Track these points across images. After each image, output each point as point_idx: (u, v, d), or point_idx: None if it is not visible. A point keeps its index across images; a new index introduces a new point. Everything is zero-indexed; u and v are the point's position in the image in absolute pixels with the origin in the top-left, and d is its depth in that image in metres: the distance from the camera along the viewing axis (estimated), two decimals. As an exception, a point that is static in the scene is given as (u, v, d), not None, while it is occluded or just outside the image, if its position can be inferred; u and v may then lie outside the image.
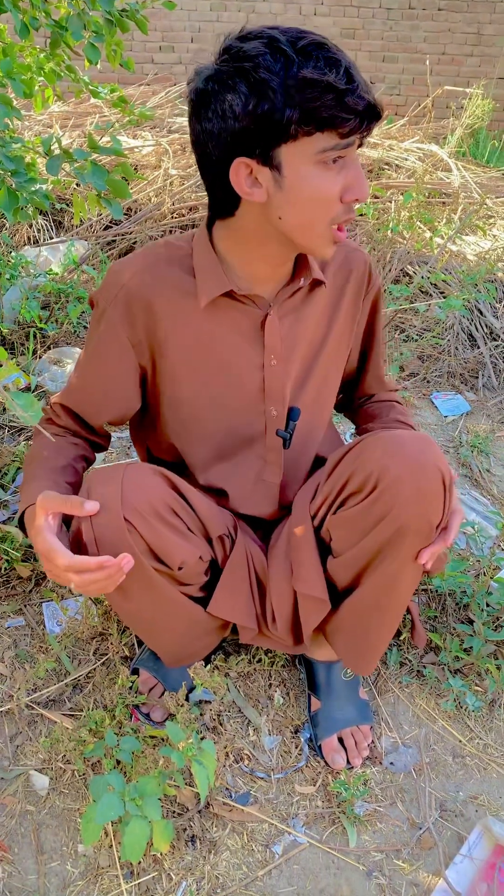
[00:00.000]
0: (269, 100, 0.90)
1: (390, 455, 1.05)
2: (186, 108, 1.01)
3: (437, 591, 1.56)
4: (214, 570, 1.24)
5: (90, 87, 2.15)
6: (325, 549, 1.22)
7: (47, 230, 3.01)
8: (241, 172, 0.97)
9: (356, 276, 1.21)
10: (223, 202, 1.04)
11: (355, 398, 1.43)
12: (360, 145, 0.99)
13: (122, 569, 0.97)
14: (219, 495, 1.26)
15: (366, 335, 1.32)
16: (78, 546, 1.11)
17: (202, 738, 1.24)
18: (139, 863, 1.16)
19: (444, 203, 2.92)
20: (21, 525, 1.14)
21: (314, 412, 1.25)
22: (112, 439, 2.06)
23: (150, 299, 1.10)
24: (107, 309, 1.12)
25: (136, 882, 1.15)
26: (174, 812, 1.23)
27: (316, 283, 1.17)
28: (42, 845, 1.19)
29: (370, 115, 0.92)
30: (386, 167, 3.28)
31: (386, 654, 1.48)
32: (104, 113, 3.85)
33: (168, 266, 1.12)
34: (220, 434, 1.20)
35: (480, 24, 6.39)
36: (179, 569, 1.12)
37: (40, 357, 2.26)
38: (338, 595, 1.22)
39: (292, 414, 1.20)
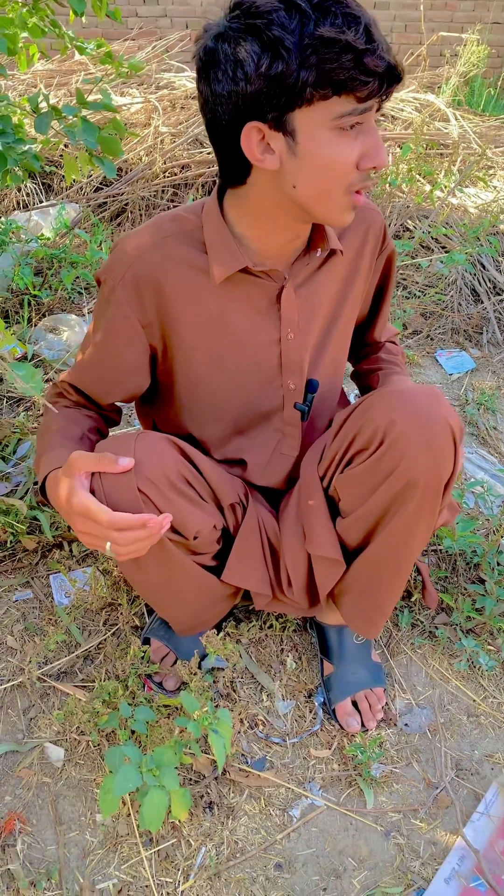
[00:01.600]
0: (284, 60, 0.83)
1: (397, 409, 1.02)
2: (194, 68, 0.95)
3: (447, 551, 1.54)
4: (226, 538, 1.22)
5: (75, 43, 2.07)
6: (335, 510, 1.20)
7: (36, 194, 2.93)
8: (253, 138, 0.91)
9: (373, 235, 1.16)
10: (234, 170, 0.98)
11: (364, 343, 1.38)
12: (379, 109, 0.93)
13: (164, 527, 0.95)
14: (233, 467, 1.23)
15: (377, 292, 1.27)
16: None
17: (217, 707, 1.24)
18: (158, 830, 1.17)
19: (442, 154, 2.84)
20: (42, 492, 1.10)
21: (331, 380, 1.22)
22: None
23: (160, 279, 1.05)
24: (115, 289, 1.06)
25: (156, 849, 1.15)
26: (191, 779, 1.23)
27: (333, 252, 1.12)
28: (60, 816, 1.19)
29: (390, 77, 0.86)
30: (382, 118, 3.19)
31: (398, 615, 1.47)
32: (90, 70, 3.73)
33: (177, 241, 1.06)
34: (237, 410, 1.17)
35: (474, -33, 6.19)
36: (195, 538, 1.10)
37: (35, 325, 2.22)
38: (348, 555, 1.20)
39: (310, 386, 1.17)
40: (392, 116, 3.17)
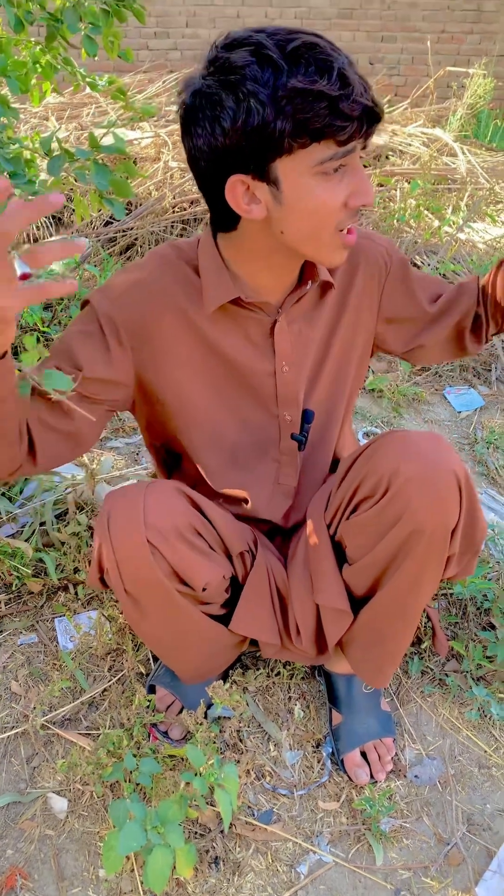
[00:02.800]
0: (259, 113, 0.84)
1: (402, 456, 1.02)
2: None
3: (457, 596, 1.52)
4: (235, 586, 1.21)
5: (87, 80, 2.09)
6: (342, 556, 1.19)
7: (46, 227, 2.95)
8: (238, 190, 0.92)
9: (366, 268, 1.15)
10: (223, 219, 0.99)
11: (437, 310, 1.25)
12: (364, 147, 0.93)
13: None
14: (236, 502, 1.22)
15: (402, 301, 1.21)
16: (100, 569, 1.08)
17: (223, 758, 1.21)
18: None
19: (450, 190, 2.86)
20: None
21: (327, 410, 1.21)
22: (120, 445, 2.03)
23: (148, 313, 1.05)
24: (98, 318, 1.04)
25: (160, 907, 1.13)
26: (196, 833, 1.20)
27: (327, 286, 1.12)
28: (62, 871, 1.17)
29: (369, 118, 0.86)
30: (391, 153, 3.21)
31: (407, 662, 1.45)
32: (100, 103, 3.78)
33: (174, 270, 1.07)
34: (235, 436, 1.17)
35: (480, 1, 6.28)
36: (203, 590, 1.09)
37: (43, 361, 2.22)
38: (356, 603, 1.19)
39: (307, 417, 1.17)
40: (400, 151, 3.19)
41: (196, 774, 1.09)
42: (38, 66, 2.05)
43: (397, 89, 6.31)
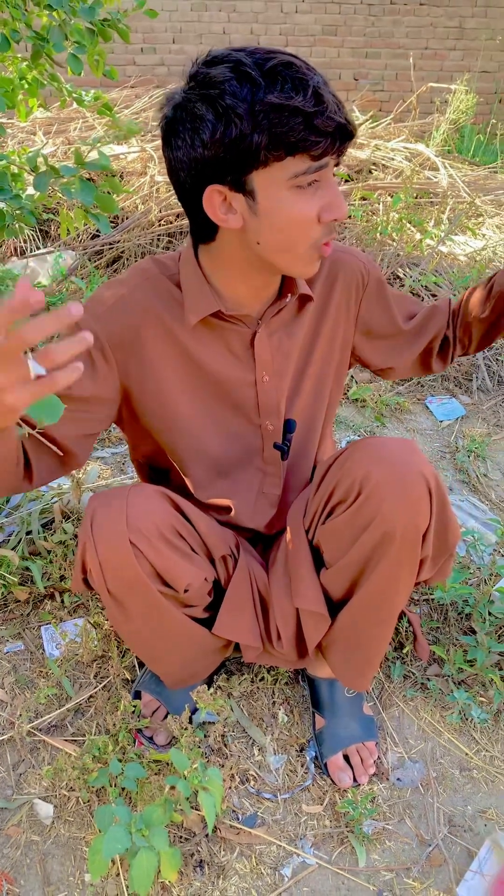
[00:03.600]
0: (237, 127, 0.88)
1: (373, 461, 1.05)
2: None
3: (438, 602, 1.55)
4: (217, 590, 1.23)
5: (74, 96, 2.13)
6: (321, 562, 1.21)
7: (33, 240, 2.98)
8: (215, 200, 0.95)
9: (347, 282, 1.19)
10: (202, 229, 1.02)
11: (435, 328, 1.31)
12: (338, 164, 0.97)
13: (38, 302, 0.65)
14: (221, 511, 1.25)
15: (379, 316, 1.26)
16: (83, 570, 1.10)
17: (207, 762, 1.23)
18: (147, 893, 1.15)
19: (432, 203, 2.91)
20: None
21: (309, 419, 1.24)
22: (107, 455, 2.05)
23: (134, 326, 1.08)
24: (93, 327, 1.07)
25: (145, 911, 1.14)
26: (181, 837, 1.22)
27: (306, 298, 1.15)
28: (48, 876, 1.18)
29: (342, 135, 0.90)
30: (374, 167, 3.27)
31: (389, 667, 1.47)
32: (87, 118, 3.82)
33: (156, 285, 1.10)
34: (219, 448, 1.19)
35: (462, 18, 6.38)
36: (185, 591, 1.11)
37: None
38: (335, 608, 1.21)
39: (288, 426, 1.19)
40: (383, 165, 3.24)
41: (181, 778, 1.11)
42: (24, 82, 2.08)
43: (381, 104, 6.39)
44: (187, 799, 1.16)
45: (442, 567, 1.16)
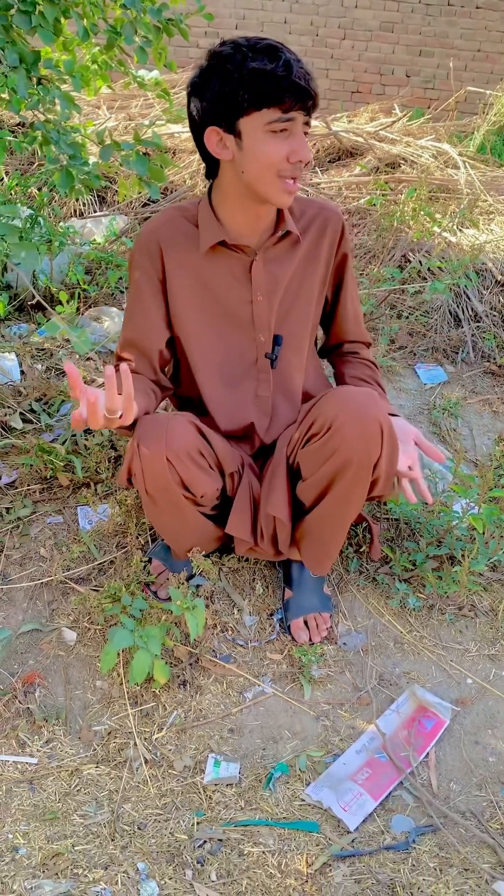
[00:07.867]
0: (231, 85, 1.27)
1: (341, 406, 1.41)
2: None
3: (394, 518, 1.90)
4: (223, 496, 1.58)
5: (138, 80, 2.49)
6: (299, 478, 1.57)
7: (92, 204, 3.36)
8: (213, 138, 1.34)
9: (331, 232, 1.53)
10: (209, 166, 1.42)
11: (333, 339, 1.72)
12: (307, 123, 1.33)
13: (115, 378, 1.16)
14: (233, 418, 1.59)
15: (336, 280, 1.62)
16: (129, 472, 1.46)
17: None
18: (142, 694, 1.53)
19: (448, 198, 3.23)
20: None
21: (294, 337, 1.58)
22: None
23: (165, 247, 1.46)
24: (136, 257, 1.48)
25: (139, 709, 1.52)
26: (171, 664, 1.59)
27: (295, 239, 1.49)
28: (69, 678, 1.56)
29: (303, 95, 1.27)
30: (403, 161, 3.58)
31: (349, 562, 1.83)
32: (147, 97, 4.18)
33: (179, 221, 1.48)
34: (222, 356, 1.55)
35: (516, 23, 6.56)
36: (202, 497, 1.48)
37: (83, 314, 2.63)
38: (307, 512, 1.57)
39: (276, 340, 1.55)
40: (412, 161, 3.56)
41: (174, 604, 1.48)
42: (95, 65, 2.44)
43: (431, 103, 6.60)
44: (178, 627, 1.54)
45: (385, 486, 1.49)
